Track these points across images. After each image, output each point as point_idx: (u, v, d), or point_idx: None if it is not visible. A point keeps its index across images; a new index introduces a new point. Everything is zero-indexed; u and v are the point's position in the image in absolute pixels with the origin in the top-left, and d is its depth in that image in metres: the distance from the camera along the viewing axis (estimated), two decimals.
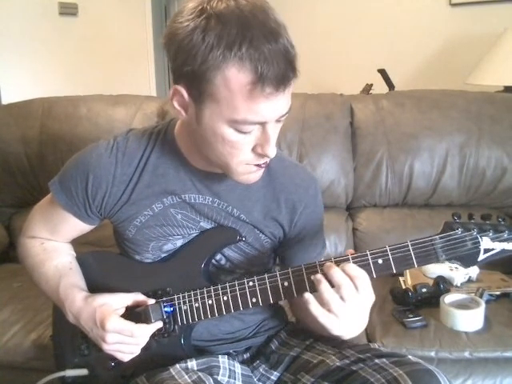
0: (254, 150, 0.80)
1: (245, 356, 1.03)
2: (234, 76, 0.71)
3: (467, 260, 0.80)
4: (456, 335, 1.29)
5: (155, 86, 3.41)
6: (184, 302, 0.90)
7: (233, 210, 0.93)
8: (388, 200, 1.75)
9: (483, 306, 1.31)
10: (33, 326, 1.36)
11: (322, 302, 0.76)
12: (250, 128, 0.76)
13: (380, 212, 1.76)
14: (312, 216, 0.99)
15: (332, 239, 1.70)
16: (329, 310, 0.76)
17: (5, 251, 1.79)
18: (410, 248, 0.80)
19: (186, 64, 0.73)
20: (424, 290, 1.40)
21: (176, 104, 0.80)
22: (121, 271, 0.99)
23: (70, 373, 0.95)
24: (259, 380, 0.98)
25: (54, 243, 1.03)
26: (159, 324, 0.90)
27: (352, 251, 0.84)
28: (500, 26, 2.36)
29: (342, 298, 0.76)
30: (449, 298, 1.35)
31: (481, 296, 1.37)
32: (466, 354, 1.25)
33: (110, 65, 2.98)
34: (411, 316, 1.34)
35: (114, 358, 0.91)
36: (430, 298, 1.39)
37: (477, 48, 2.46)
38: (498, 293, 1.43)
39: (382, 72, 2.71)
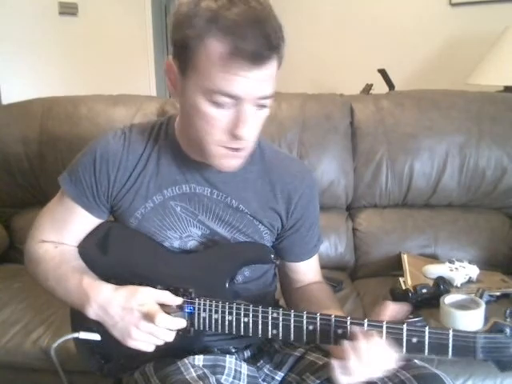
0: (229, 130, 0.80)
1: (245, 354, 1.03)
2: (213, 46, 0.74)
3: (504, 365, 0.76)
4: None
5: (155, 86, 3.41)
6: (204, 310, 0.88)
7: (231, 201, 0.95)
8: (388, 200, 1.75)
9: (483, 306, 1.31)
10: (33, 326, 1.36)
11: (346, 370, 0.76)
12: (224, 100, 0.77)
13: (380, 212, 1.75)
14: (308, 206, 1.00)
15: (332, 239, 1.70)
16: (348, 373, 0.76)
17: (5, 251, 1.79)
18: (451, 336, 0.75)
19: (177, 32, 0.78)
20: (424, 290, 1.39)
21: (168, 81, 0.85)
22: (143, 251, 0.97)
23: (84, 335, 0.95)
24: (264, 380, 0.98)
25: (67, 247, 1.01)
26: (183, 322, 0.88)
27: (390, 309, 0.81)
28: (500, 25, 2.35)
29: (361, 364, 0.75)
30: (449, 299, 1.34)
31: (481, 297, 1.36)
32: None
33: (110, 65, 2.98)
34: (411, 316, 1.34)
35: None
36: (430, 299, 1.39)
37: (477, 48, 2.45)
38: (498, 293, 1.43)
39: (382, 72, 2.71)
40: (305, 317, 0.82)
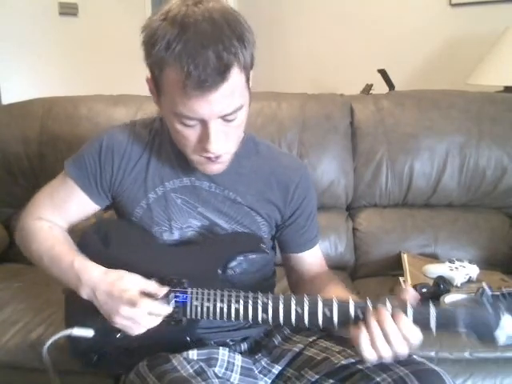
0: (200, 145, 0.85)
1: (242, 346, 1.04)
2: (170, 75, 0.79)
3: (484, 335, 0.78)
4: (456, 335, 1.28)
5: None
6: (196, 298, 0.91)
7: (229, 194, 0.99)
8: (388, 200, 1.75)
9: None
10: (33, 325, 1.36)
11: (371, 344, 0.78)
12: (190, 122, 0.83)
13: (380, 212, 1.76)
14: (305, 196, 1.04)
15: (332, 239, 1.70)
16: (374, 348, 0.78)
17: (5, 251, 1.79)
18: (433, 311, 0.79)
19: (144, 58, 0.83)
20: (424, 290, 1.40)
21: (150, 93, 0.89)
22: (143, 244, 1.00)
23: (77, 331, 0.96)
24: (260, 372, 1.00)
25: (61, 230, 1.04)
26: (169, 308, 0.89)
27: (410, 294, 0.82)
28: (500, 25, 2.36)
29: (386, 339, 0.77)
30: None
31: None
32: (466, 354, 1.25)
33: (110, 65, 2.98)
34: None
35: (120, 330, 0.92)
36: (430, 298, 1.38)
37: (477, 48, 2.45)
38: (498, 293, 1.43)
39: (382, 72, 2.71)
40: (293, 298, 0.85)
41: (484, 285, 0.81)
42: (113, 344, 0.92)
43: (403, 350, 0.78)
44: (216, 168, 0.92)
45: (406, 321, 0.78)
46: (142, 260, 0.96)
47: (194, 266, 0.95)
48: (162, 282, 0.92)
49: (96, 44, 2.92)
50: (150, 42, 0.79)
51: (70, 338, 1.00)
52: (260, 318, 0.86)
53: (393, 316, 0.78)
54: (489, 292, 0.80)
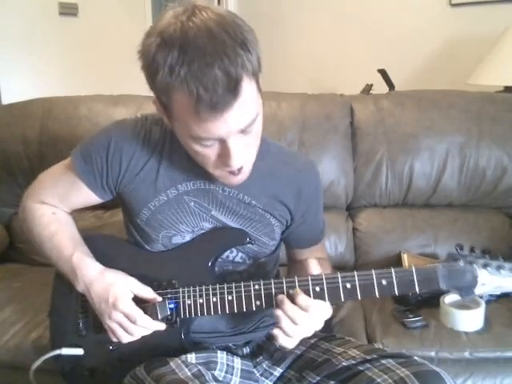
0: (221, 161, 0.83)
1: (244, 350, 1.04)
2: (179, 98, 0.75)
3: (465, 291, 0.84)
4: (456, 335, 1.29)
5: None
6: (189, 297, 0.91)
7: (244, 197, 0.97)
8: (388, 200, 1.75)
9: (483, 306, 1.31)
10: (33, 325, 1.36)
11: (285, 335, 0.84)
12: (208, 142, 0.80)
13: (380, 212, 1.76)
14: (314, 197, 1.05)
15: (332, 239, 1.70)
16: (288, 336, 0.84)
17: (5, 251, 1.79)
18: (414, 272, 0.83)
19: (148, 82, 0.80)
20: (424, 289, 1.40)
21: (159, 113, 0.86)
22: (127, 256, 1.00)
23: (66, 351, 0.95)
24: (262, 375, 1.00)
25: (64, 215, 1.05)
26: (162, 325, 0.90)
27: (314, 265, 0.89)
28: (500, 25, 2.36)
29: (296, 325, 0.83)
30: (449, 298, 1.35)
31: (481, 296, 1.37)
32: (466, 354, 1.25)
33: (110, 65, 2.98)
34: (411, 316, 1.35)
35: (112, 342, 0.93)
36: (430, 298, 1.39)
37: (477, 48, 2.46)
38: (498, 293, 1.43)
39: (382, 72, 2.71)
40: (284, 281, 0.86)
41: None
42: (106, 357, 0.92)
43: (315, 327, 0.85)
44: (240, 179, 0.89)
45: (301, 297, 0.83)
46: (131, 268, 0.96)
47: (184, 265, 0.95)
48: (151, 286, 0.93)
49: (96, 44, 2.92)
50: (152, 69, 0.75)
51: (59, 358, 1.00)
52: (254, 306, 0.87)
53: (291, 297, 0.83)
54: (464, 253, 0.86)
